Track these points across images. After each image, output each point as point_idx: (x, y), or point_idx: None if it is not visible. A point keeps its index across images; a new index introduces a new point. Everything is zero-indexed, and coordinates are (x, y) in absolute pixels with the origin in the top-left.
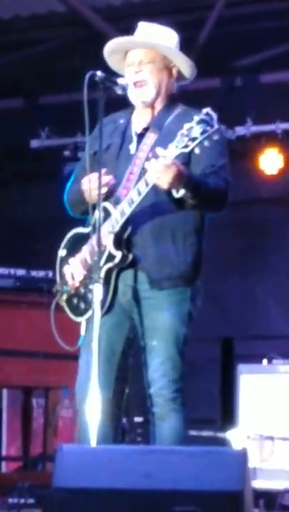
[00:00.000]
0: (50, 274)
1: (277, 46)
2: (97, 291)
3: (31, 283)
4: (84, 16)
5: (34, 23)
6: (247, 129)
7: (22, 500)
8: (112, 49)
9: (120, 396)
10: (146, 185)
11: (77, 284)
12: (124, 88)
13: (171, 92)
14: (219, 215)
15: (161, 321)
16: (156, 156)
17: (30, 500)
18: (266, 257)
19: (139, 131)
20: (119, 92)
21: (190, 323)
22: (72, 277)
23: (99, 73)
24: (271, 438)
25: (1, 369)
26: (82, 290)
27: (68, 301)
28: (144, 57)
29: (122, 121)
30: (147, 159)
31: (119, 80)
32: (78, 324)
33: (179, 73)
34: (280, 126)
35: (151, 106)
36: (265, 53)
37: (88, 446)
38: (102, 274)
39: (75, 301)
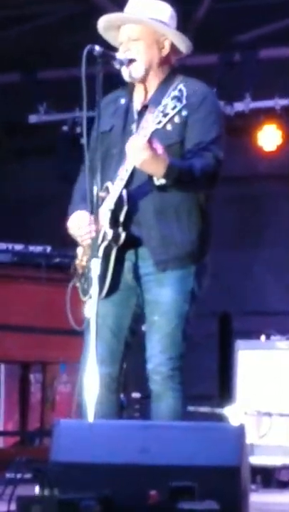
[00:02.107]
0: (49, 249)
1: (276, 22)
2: (95, 266)
3: (29, 258)
4: None
5: None
6: (245, 105)
7: (19, 475)
8: (104, 27)
9: (121, 372)
10: (129, 162)
11: (84, 264)
12: (122, 63)
13: (169, 65)
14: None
15: (163, 296)
16: (156, 136)
17: (28, 475)
18: (264, 232)
19: (138, 109)
20: (117, 66)
21: (193, 301)
22: (82, 258)
23: (97, 48)
24: (269, 414)
25: None
26: (86, 271)
27: (80, 281)
28: (133, 34)
29: (122, 101)
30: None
31: (118, 55)
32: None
33: (174, 45)
34: (278, 102)
35: (145, 82)
36: (263, 29)
37: (85, 421)
38: (100, 252)
39: (83, 281)
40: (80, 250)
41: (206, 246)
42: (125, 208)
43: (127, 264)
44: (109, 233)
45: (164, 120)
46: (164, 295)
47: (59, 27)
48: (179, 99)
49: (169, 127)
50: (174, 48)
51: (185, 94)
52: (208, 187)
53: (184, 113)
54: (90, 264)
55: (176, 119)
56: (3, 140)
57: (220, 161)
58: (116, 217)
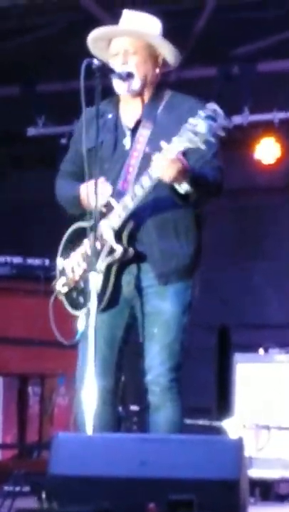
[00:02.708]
0: (47, 262)
1: (275, 35)
2: (93, 279)
3: (28, 271)
4: (81, 2)
5: (31, 10)
6: (244, 118)
7: (17, 488)
8: (97, 37)
9: (117, 384)
10: (150, 179)
11: (77, 277)
12: (121, 76)
13: (157, 80)
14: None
15: (164, 309)
16: (154, 149)
17: (26, 488)
18: (263, 245)
19: (131, 125)
20: (115, 80)
21: (190, 312)
22: (73, 271)
23: (95, 61)
24: (267, 427)
25: None
26: (81, 284)
27: (67, 294)
28: (130, 47)
29: (110, 115)
30: (145, 152)
31: (116, 68)
32: (75, 317)
33: (164, 61)
34: (277, 116)
35: (139, 97)
36: (262, 42)
37: (84, 434)
38: (103, 267)
39: (74, 295)
40: (66, 264)
41: (200, 259)
42: (131, 225)
43: (127, 278)
44: (119, 249)
45: (197, 139)
46: (164, 307)
47: (58, 40)
48: (214, 119)
49: (146, 133)
50: (164, 62)
51: (221, 114)
52: (216, 196)
53: (222, 133)
54: (86, 276)
55: (212, 139)
56: (1, 152)
57: (223, 172)
58: (121, 234)
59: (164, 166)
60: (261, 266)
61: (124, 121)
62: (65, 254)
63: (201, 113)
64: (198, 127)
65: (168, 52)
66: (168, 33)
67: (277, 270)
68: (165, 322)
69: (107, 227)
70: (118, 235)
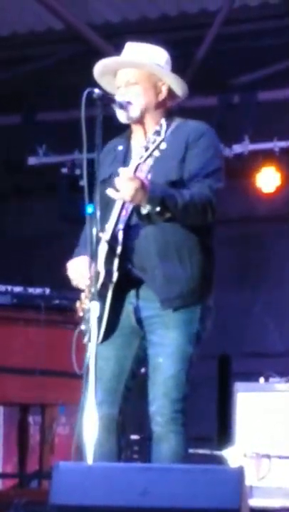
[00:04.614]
0: (48, 291)
1: (276, 64)
2: (93, 309)
3: (28, 300)
4: (82, 33)
5: (32, 40)
6: (244, 146)
7: None
8: (101, 71)
9: (121, 413)
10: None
11: (85, 306)
12: (121, 105)
13: (165, 108)
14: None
15: (169, 338)
16: (157, 176)
17: None
18: (263, 274)
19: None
20: (116, 109)
21: (198, 343)
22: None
23: (96, 90)
24: (268, 456)
25: None
26: (86, 315)
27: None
28: (130, 78)
29: (120, 147)
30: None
31: (117, 97)
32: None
33: (171, 90)
34: (277, 144)
35: (142, 126)
36: (263, 71)
37: (85, 464)
38: (96, 294)
39: (85, 324)
40: (83, 294)
41: (210, 284)
42: (119, 246)
43: (130, 307)
44: (102, 272)
45: (146, 154)
46: (169, 337)
47: (58, 69)
48: (158, 133)
49: (150, 162)
50: (170, 92)
51: (164, 128)
52: (203, 216)
53: (163, 146)
54: (88, 306)
55: (156, 153)
56: (3, 181)
57: (214, 191)
58: (111, 256)
59: (122, 186)
60: (262, 294)
61: (134, 152)
62: None
63: (155, 128)
64: (149, 142)
65: (173, 82)
66: None
67: (278, 299)
68: (170, 353)
69: (101, 252)
70: (110, 258)
